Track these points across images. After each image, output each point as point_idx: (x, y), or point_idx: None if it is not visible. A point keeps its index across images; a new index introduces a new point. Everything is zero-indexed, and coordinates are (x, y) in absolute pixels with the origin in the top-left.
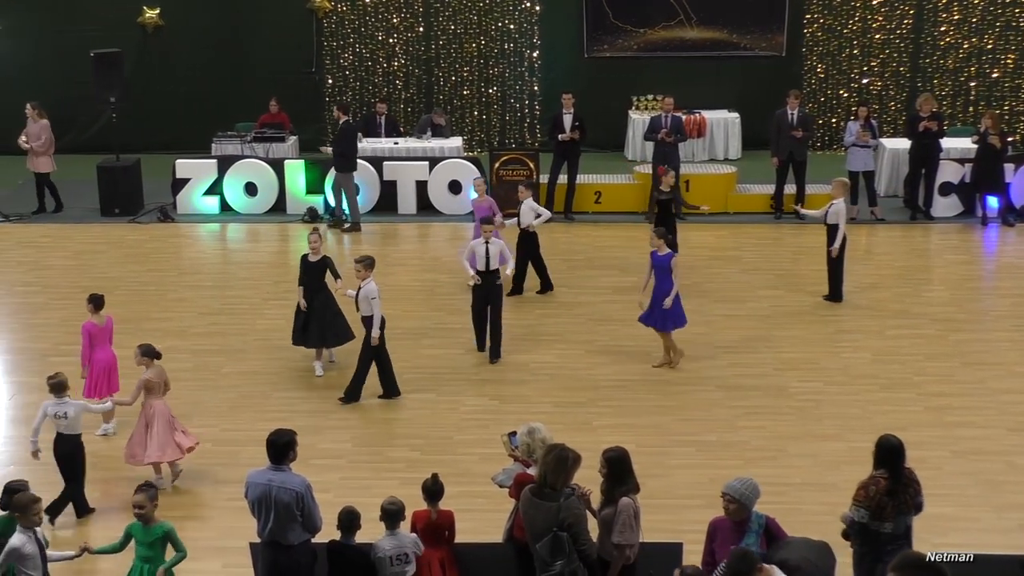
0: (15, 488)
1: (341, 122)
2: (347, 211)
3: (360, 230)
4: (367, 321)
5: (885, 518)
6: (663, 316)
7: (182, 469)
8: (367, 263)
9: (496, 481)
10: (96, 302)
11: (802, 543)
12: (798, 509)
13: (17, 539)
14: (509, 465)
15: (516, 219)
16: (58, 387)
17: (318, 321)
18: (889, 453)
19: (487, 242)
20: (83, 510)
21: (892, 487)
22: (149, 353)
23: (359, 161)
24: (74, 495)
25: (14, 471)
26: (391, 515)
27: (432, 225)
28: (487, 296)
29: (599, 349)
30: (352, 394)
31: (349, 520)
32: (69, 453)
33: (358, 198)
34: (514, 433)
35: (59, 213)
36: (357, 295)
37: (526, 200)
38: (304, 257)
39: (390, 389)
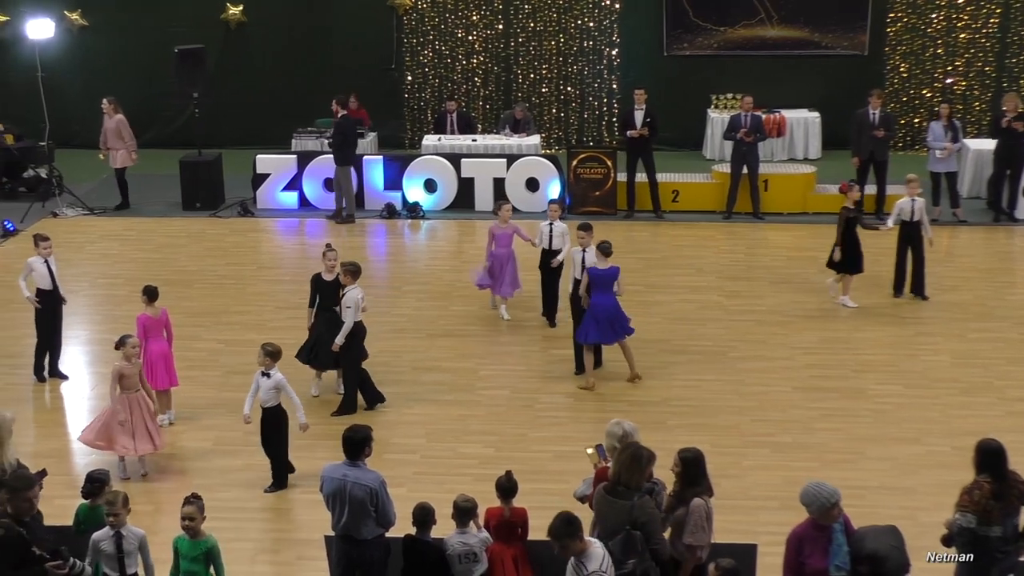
0: (96, 477)
1: (339, 116)
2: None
3: (354, 222)
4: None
5: (993, 522)
6: (607, 329)
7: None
8: (351, 269)
9: (577, 496)
10: (150, 294)
11: (879, 531)
12: (875, 513)
13: (99, 533)
14: (590, 477)
15: (546, 238)
16: (275, 355)
17: (326, 344)
18: (990, 456)
19: (584, 249)
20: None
21: (997, 490)
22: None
23: (437, 158)
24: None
25: (95, 461)
26: (463, 512)
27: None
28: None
29: (674, 348)
30: (348, 406)
31: (424, 515)
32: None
33: (434, 194)
34: (600, 445)
35: (124, 209)
36: (340, 300)
37: (555, 221)
38: (317, 276)
39: (349, 405)
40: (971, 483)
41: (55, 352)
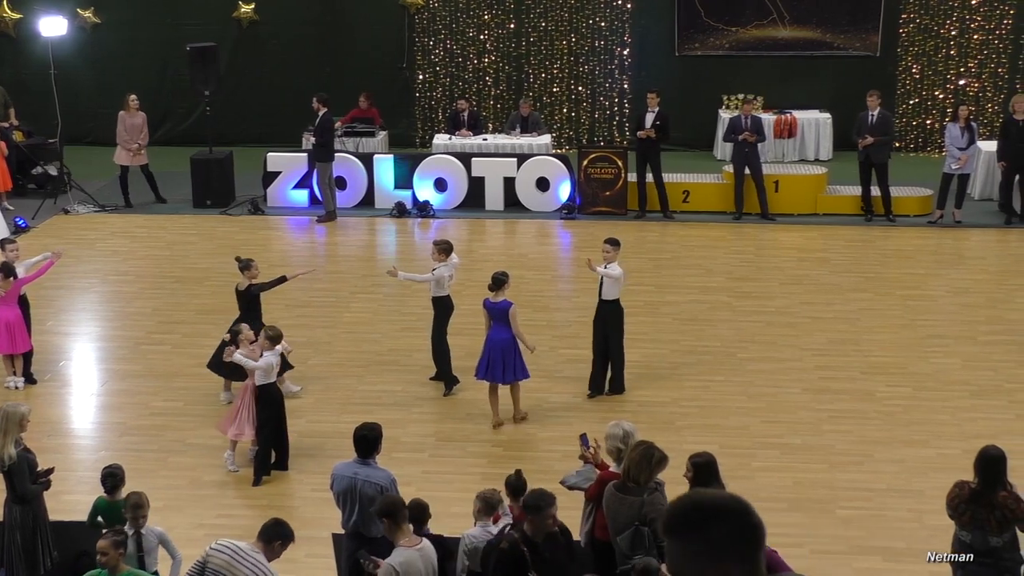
0: (112, 472)
1: (321, 114)
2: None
3: (335, 219)
4: (436, 301)
5: (962, 525)
6: (498, 367)
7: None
8: (444, 247)
9: (567, 484)
10: (6, 270)
11: None
12: (882, 515)
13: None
14: (582, 467)
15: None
16: (276, 338)
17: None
18: (984, 462)
19: (607, 265)
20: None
21: (974, 495)
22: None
23: (447, 157)
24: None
25: (105, 457)
26: (493, 505)
27: (519, 222)
28: (602, 326)
29: (684, 349)
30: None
31: (420, 512)
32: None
33: (445, 194)
34: (584, 435)
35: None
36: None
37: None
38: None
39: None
40: (960, 480)
41: (27, 357)
